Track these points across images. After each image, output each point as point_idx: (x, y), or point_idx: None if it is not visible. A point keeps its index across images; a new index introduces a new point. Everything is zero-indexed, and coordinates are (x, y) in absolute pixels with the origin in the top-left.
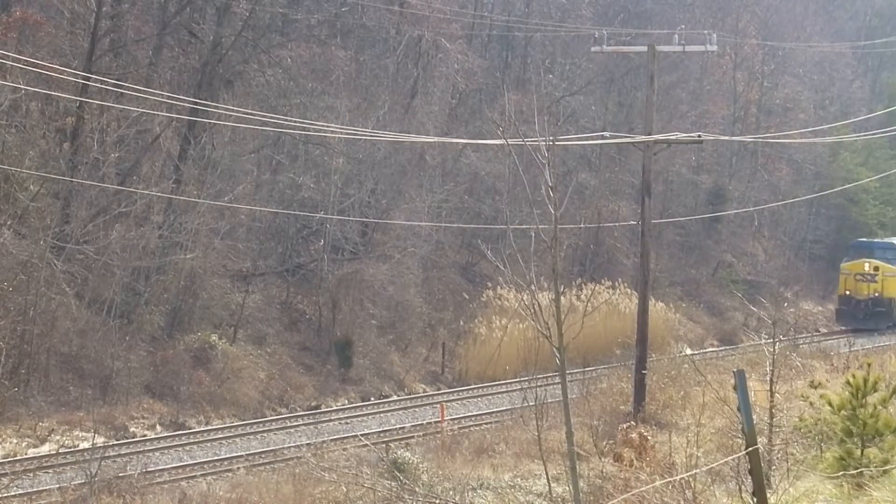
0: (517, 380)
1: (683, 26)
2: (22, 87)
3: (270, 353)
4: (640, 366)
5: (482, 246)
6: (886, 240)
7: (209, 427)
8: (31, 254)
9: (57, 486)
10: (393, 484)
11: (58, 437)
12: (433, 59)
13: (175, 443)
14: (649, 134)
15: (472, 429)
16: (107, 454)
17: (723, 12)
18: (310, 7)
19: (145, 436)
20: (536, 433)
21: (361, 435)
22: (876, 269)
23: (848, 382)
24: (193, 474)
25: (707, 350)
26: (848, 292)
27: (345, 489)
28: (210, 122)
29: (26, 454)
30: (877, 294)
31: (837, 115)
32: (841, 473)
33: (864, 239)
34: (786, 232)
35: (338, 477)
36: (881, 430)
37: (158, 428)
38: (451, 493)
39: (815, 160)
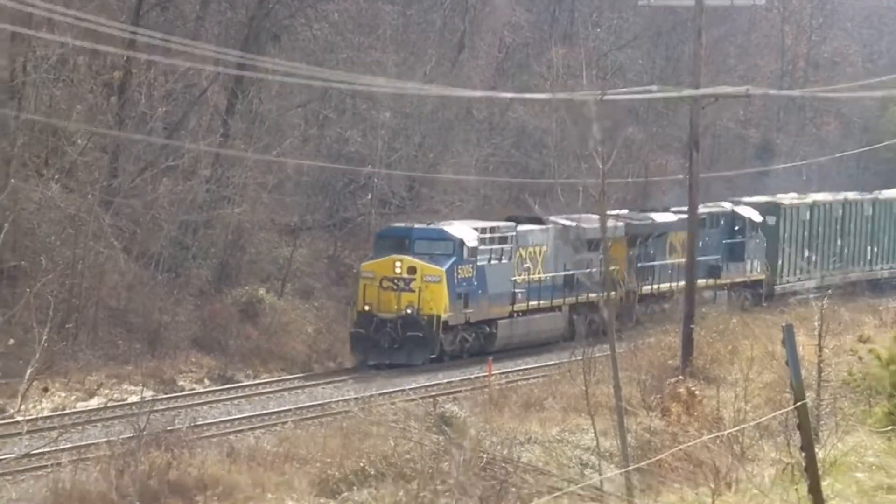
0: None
1: None
2: (69, 41)
3: (318, 307)
4: (688, 320)
5: (529, 200)
6: (432, 225)
7: (257, 381)
8: (79, 208)
9: (105, 439)
10: (440, 438)
11: (106, 391)
12: (480, 13)
13: (223, 397)
14: (697, 88)
15: (519, 383)
16: (155, 408)
17: None
18: None
19: (193, 389)
20: (584, 388)
21: (409, 389)
22: (412, 270)
23: None
24: (241, 428)
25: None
26: (368, 307)
27: (392, 443)
28: (257, 77)
29: (75, 408)
30: (411, 310)
31: (886, 68)
32: (890, 428)
33: (400, 224)
34: (833, 186)
35: (385, 431)
36: None
37: (206, 382)
38: (498, 447)
39: (863, 114)
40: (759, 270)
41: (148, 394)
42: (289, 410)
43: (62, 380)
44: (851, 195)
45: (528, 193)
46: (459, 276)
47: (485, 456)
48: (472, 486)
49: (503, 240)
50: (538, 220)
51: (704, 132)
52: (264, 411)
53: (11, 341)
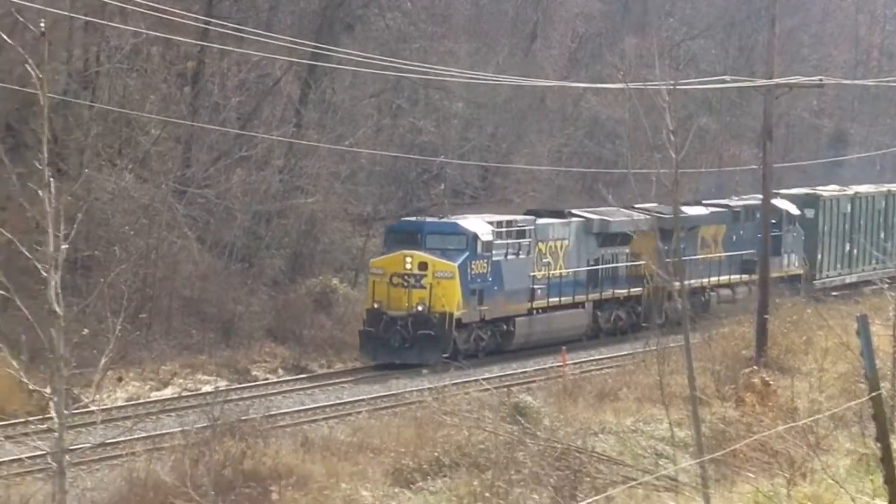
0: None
1: None
2: (143, 31)
3: None
4: (763, 310)
5: (603, 190)
6: (445, 219)
7: (330, 371)
8: (153, 198)
9: (180, 429)
10: (514, 428)
11: (180, 381)
12: (553, 2)
13: (297, 386)
14: (770, 78)
15: (593, 373)
16: (229, 397)
17: None
18: None
19: (267, 379)
20: (658, 377)
21: (483, 379)
22: (423, 266)
23: None
24: (315, 418)
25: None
26: (378, 304)
27: (466, 433)
28: (330, 67)
29: (149, 397)
30: (422, 307)
31: None
32: None
33: (412, 218)
34: None
35: (459, 421)
36: None
37: (280, 371)
38: (572, 437)
39: None
40: (796, 265)
41: (222, 383)
42: (362, 400)
43: (136, 370)
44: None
45: (602, 183)
46: (473, 272)
47: (559, 446)
48: (546, 477)
49: (521, 234)
50: (559, 214)
51: (778, 122)
52: (338, 401)
53: (85, 331)
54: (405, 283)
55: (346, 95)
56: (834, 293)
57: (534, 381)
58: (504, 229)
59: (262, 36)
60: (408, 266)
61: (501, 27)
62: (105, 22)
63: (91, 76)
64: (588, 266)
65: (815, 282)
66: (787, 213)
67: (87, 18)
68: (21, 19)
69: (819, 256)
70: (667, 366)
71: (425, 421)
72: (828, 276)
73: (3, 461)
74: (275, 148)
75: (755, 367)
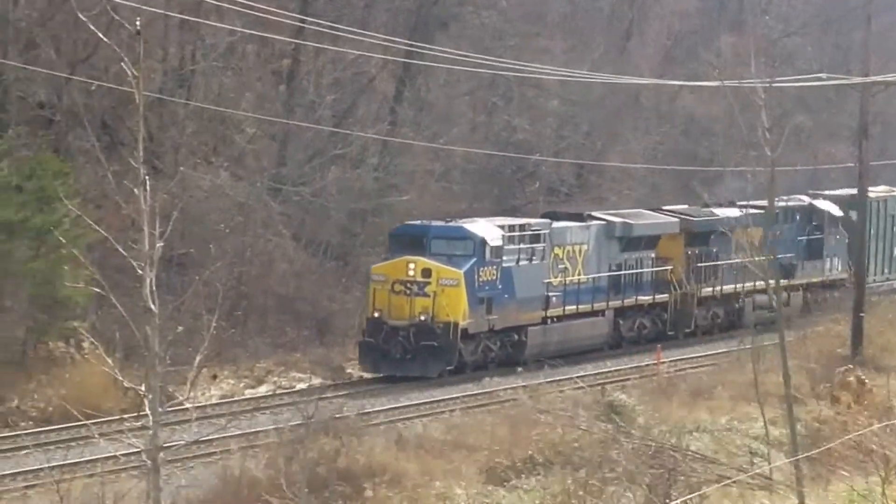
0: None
1: None
2: (238, 29)
3: None
4: (858, 309)
5: (698, 188)
6: (451, 223)
7: None
8: (248, 196)
9: (274, 426)
10: (609, 426)
11: (275, 379)
12: (648, 0)
13: (390, 384)
14: (866, 75)
15: (688, 371)
16: (323, 395)
17: None
18: None
19: (361, 377)
20: (753, 376)
21: (577, 377)
22: (427, 272)
23: None
24: (409, 416)
25: None
26: (378, 314)
27: (560, 431)
28: (425, 65)
29: (244, 395)
30: (426, 316)
31: None
32: None
33: (416, 222)
34: None
35: (553, 419)
36: None
37: None
38: (667, 435)
39: None
40: (839, 269)
41: (316, 381)
42: (456, 398)
43: (231, 367)
44: None
45: (697, 181)
46: (481, 279)
47: (653, 444)
48: (640, 475)
49: (535, 238)
50: (578, 217)
51: (874, 120)
52: (432, 399)
53: (180, 329)
54: (408, 291)
55: (441, 93)
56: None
57: (628, 380)
58: (517, 233)
59: (357, 34)
60: (410, 273)
61: (596, 24)
62: (200, 20)
63: (186, 74)
64: (609, 272)
65: None
66: (830, 214)
67: (183, 16)
68: (117, 18)
69: (865, 260)
70: (762, 364)
71: (519, 419)
72: (874, 281)
73: (98, 458)
74: (369, 146)
75: (850, 366)
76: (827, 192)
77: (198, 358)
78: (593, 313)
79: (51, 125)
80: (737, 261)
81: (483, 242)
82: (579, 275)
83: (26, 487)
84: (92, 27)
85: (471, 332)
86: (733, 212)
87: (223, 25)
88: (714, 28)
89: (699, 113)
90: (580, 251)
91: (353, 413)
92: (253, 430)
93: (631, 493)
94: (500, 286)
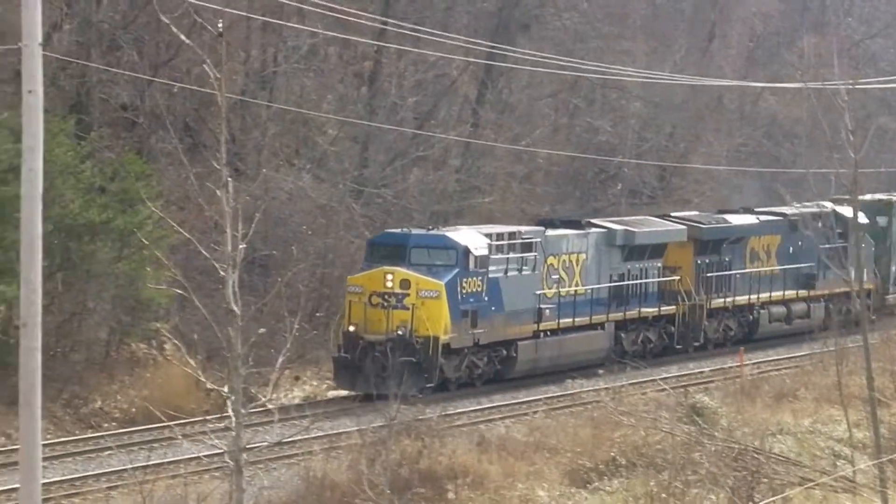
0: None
1: None
2: (320, 31)
3: None
4: None
5: (781, 190)
6: (433, 231)
7: None
8: (331, 197)
9: (356, 428)
10: (691, 429)
11: None
12: (730, 1)
13: (472, 386)
14: None
15: (771, 373)
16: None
17: None
18: None
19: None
20: (837, 378)
21: (660, 379)
22: (406, 284)
23: None
24: (491, 417)
25: None
26: (354, 328)
27: (643, 433)
28: (507, 66)
29: (326, 396)
30: (403, 331)
31: None
32: None
33: (396, 230)
34: None
35: (636, 421)
36: None
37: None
38: (749, 438)
39: None
40: (864, 278)
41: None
42: (538, 400)
43: (313, 369)
44: None
45: (780, 183)
46: (465, 291)
47: (736, 447)
48: (723, 477)
49: (526, 247)
50: (575, 224)
51: None
52: (514, 401)
53: (262, 330)
54: (385, 304)
55: (523, 95)
56: None
57: (711, 382)
58: (505, 242)
59: (439, 36)
60: (388, 284)
61: (679, 26)
62: (282, 22)
63: (269, 76)
64: (610, 282)
65: (887, 296)
66: (854, 221)
67: (265, 19)
68: (199, 20)
69: (893, 269)
70: (845, 366)
71: (602, 421)
72: None
73: (181, 459)
74: (451, 148)
75: None
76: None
77: (280, 359)
78: (592, 326)
79: (133, 127)
80: (750, 270)
81: (466, 252)
82: (576, 285)
83: (109, 488)
84: (174, 29)
85: (453, 347)
86: (748, 218)
87: (305, 27)
88: (796, 29)
89: (782, 115)
90: (577, 260)
91: (436, 414)
92: (335, 431)
93: (714, 496)
94: (485, 298)
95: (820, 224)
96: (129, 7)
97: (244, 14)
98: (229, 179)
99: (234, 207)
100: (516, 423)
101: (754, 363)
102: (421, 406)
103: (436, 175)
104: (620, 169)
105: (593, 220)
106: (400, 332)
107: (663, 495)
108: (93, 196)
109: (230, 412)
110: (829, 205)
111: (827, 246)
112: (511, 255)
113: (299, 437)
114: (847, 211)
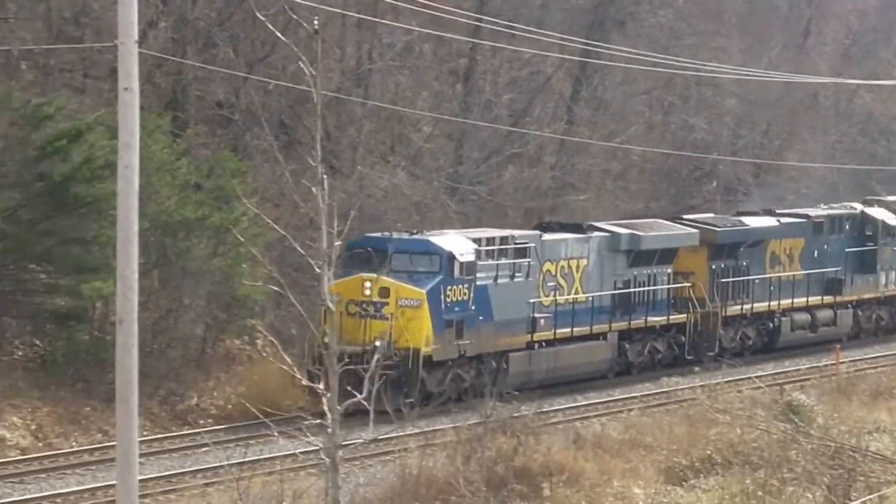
0: None
1: None
2: (415, 28)
3: None
4: None
5: (877, 187)
6: (417, 235)
7: None
8: (425, 194)
9: (452, 425)
10: (787, 426)
11: None
12: None
13: (566, 384)
14: None
15: (868, 371)
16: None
17: None
18: None
19: None
20: None
21: (755, 377)
22: (385, 292)
23: None
24: (587, 415)
25: None
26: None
27: (739, 431)
28: (601, 63)
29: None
30: (381, 342)
31: None
32: None
33: (376, 234)
34: None
35: (732, 419)
36: None
37: None
38: (846, 436)
39: None
40: (895, 284)
41: None
42: (634, 397)
43: None
44: None
45: (876, 181)
46: (449, 300)
47: (832, 445)
48: (819, 475)
49: (519, 252)
50: (576, 228)
51: None
52: (609, 398)
53: None
54: (363, 313)
55: (618, 92)
56: None
57: (807, 379)
58: (495, 247)
59: (534, 33)
60: (366, 292)
61: (774, 23)
62: (377, 19)
63: (364, 73)
64: (614, 289)
65: None
66: (884, 223)
67: (360, 16)
68: (294, 17)
69: None
70: None
71: (697, 418)
72: None
73: (277, 456)
74: (546, 145)
75: None
76: (881, 199)
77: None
78: (593, 337)
79: (229, 124)
80: (770, 275)
81: (451, 257)
82: (576, 293)
83: (206, 485)
84: (270, 27)
85: (436, 359)
86: (768, 221)
87: (400, 25)
88: (893, 26)
89: (878, 111)
90: (577, 267)
91: (531, 412)
92: (431, 428)
93: (810, 494)
94: (472, 307)
95: (848, 226)
96: (225, 4)
97: (339, 11)
98: (324, 176)
99: (329, 204)
100: (612, 420)
101: (850, 361)
102: (516, 404)
103: (530, 172)
104: (715, 166)
105: (596, 224)
106: (378, 344)
107: (759, 493)
108: (188, 193)
109: (326, 409)
110: (857, 206)
111: (854, 249)
112: (502, 260)
113: (395, 435)
114: (876, 212)
